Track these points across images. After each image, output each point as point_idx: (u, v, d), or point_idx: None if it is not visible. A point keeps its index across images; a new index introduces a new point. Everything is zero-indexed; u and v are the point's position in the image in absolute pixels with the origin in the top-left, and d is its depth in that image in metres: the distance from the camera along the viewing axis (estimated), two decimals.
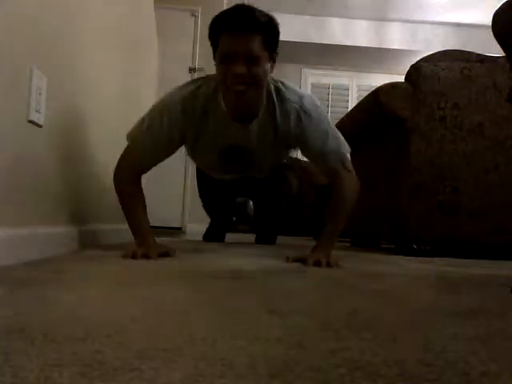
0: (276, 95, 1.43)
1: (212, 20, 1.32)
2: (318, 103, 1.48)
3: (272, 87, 1.43)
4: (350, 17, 5.34)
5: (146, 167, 1.45)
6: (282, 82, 1.46)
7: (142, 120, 1.43)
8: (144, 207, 1.41)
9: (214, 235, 2.36)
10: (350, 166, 1.47)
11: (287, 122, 1.43)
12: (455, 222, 2.03)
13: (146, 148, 1.40)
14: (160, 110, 1.41)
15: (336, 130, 1.49)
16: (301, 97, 1.43)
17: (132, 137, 1.43)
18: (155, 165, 1.47)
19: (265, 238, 2.42)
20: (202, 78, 1.49)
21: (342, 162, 1.44)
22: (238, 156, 1.61)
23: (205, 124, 1.44)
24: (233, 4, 1.32)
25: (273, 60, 1.35)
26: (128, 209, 1.39)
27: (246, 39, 1.25)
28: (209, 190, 2.15)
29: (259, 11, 1.28)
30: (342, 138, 1.48)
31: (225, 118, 1.44)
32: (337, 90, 5.94)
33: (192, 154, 1.75)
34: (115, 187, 1.40)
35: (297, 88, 1.48)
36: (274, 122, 1.45)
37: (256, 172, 1.82)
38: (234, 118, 1.43)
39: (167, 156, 1.48)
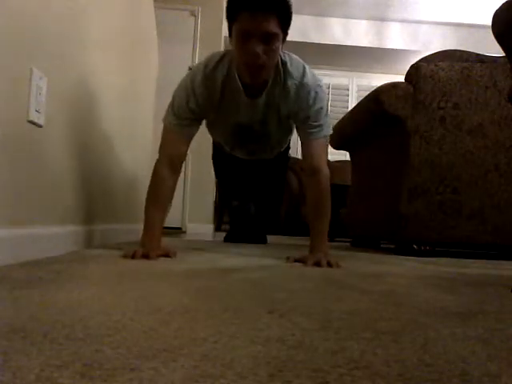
0: (283, 69, 1.49)
1: None
2: (319, 81, 1.54)
3: (280, 60, 1.49)
4: (349, 17, 5.34)
5: (184, 149, 1.52)
6: (289, 55, 1.52)
7: (172, 102, 1.51)
8: (165, 208, 1.47)
9: (234, 237, 2.50)
10: (327, 151, 1.57)
11: (287, 94, 1.49)
12: (455, 222, 2.03)
13: (181, 126, 1.48)
14: (185, 92, 1.48)
15: (328, 110, 1.58)
16: (303, 73, 1.49)
17: (168, 120, 1.50)
18: (190, 141, 1.54)
19: (257, 238, 2.46)
20: (218, 54, 1.54)
21: (324, 142, 1.53)
22: (249, 133, 1.71)
23: (223, 100, 1.52)
24: None
25: (285, 34, 1.41)
26: (148, 206, 1.43)
27: (263, 19, 1.30)
28: (224, 168, 2.31)
29: None
30: (329, 119, 1.57)
31: (238, 94, 1.51)
32: (337, 90, 5.94)
33: (210, 128, 1.85)
34: (151, 177, 1.46)
35: (302, 63, 1.53)
36: (278, 93, 1.51)
37: (264, 149, 1.93)
38: (245, 91, 1.50)
39: (196, 130, 1.56)
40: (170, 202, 1.50)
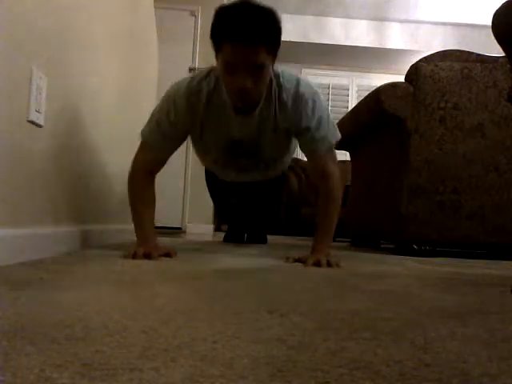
0: (275, 85, 1.43)
1: (215, 20, 1.27)
2: (315, 89, 1.47)
3: (272, 76, 1.43)
4: (349, 17, 5.34)
5: (159, 163, 1.47)
6: (280, 70, 1.46)
7: (152, 116, 1.47)
8: (152, 208, 1.43)
9: (233, 236, 2.47)
10: (335, 157, 1.51)
11: (285, 109, 1.43)
12: (455, 221, 2.03)
13: (157, 143, 1.44)
14: (167, 104, 1.43)
15: (329, 116, 1.49)
16: (297, 83, 1.43)
17: (144, 134, 1.46)
18: (167, 158, 1.49)
19: (257, 238, 2.46)
20: (206, 70, 1.48)
21: (330, 152, 1.48)
22: (241, 148, 1.62)
23: (209, 115, 1.45)
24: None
25: (275, 55, 1.34)
26: (135, 206, 1.41)
27: (250, 51, 1.22)
28: (219, 191, 2.17)
29: (262, 12, 1.23)
30: (334, 125, 1.50)
31: (227, 111, 1.44)
32: (337, 90, 5.94)
33: (198, 149, 1.75)
34: (128, 183, 1.42)
35: (294, 74, 1.47)
36: (274, 110, 1.45)
37: (257, 166, 1.80)
38: (236, 110, 1.44)
39: (177, 148, 1.51)
40: (154, 204, 1.45)
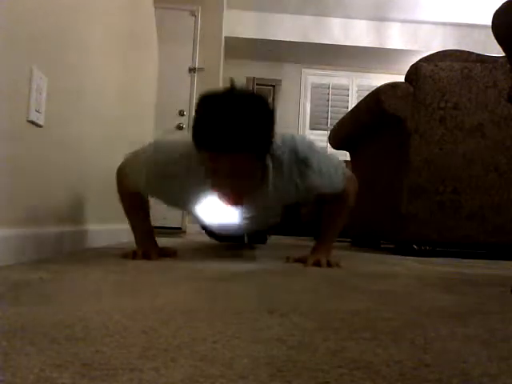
0: (270, 161, 1.21)
1: (197, 119, 1.05)
2: (309, 143, 1.28)
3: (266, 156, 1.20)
4: (349, 17, 5.34)
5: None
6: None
7: (134, 157, 1.31)
8: (147, 208, 1.40)
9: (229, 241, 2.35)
10: (348, 173, 1.39)
11: (288, 180, 1.24)
12: (455, 221, 2.03)
13: (136, 184, 1.30)
14: (143, 166, 1.26)
15: (329, 158, 1.34)
16: (292, 150, 1.23)
17: (124, 169, 1.32)
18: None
19: (257, 238, 2.44)
20: (184, 150, 1.20)
21: (345, 181, 1.35)
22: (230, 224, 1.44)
23: (188, 197, 1.26)
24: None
25: (266, 153, 1.16)
26: (130, 209, 1.38)
27: (232, 160, 1.03)
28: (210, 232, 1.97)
29: (247, 111, 1.01)
30: (335, 163, 1.34)
31: (213, 200, 1.23)
32: (337, 90, 5.94)
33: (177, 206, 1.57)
34: (117, 188, 1.36)
35: (284, 137, 1.24)
36: (273, 186, 1.25)
37: (252, 227, 1.59)
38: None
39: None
40: (149, 204, 1.38)
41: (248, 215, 1.37)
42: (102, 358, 0.36)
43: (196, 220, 1.68)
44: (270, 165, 1.21)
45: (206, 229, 1.87)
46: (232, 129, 0.99)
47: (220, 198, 1.17)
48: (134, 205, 1.37)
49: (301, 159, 1.23)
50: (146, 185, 1.26)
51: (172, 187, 1.22)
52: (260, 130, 1.05)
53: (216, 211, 1.31)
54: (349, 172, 1.40)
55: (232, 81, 1.05)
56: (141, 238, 1.35)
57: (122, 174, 1.32)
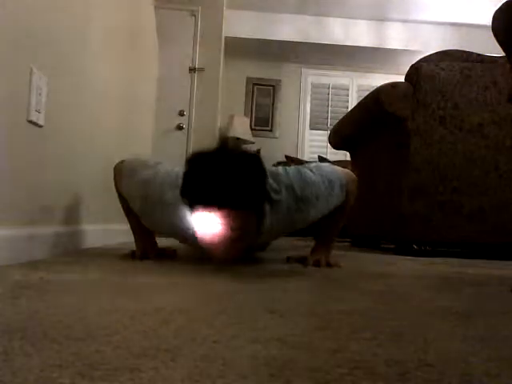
0: (267, 204, 1.15)
1: (186, 177, 1.01)
2: (303, 175, 1.24)
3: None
4: (349, 17, 5.34)
5: None
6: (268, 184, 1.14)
7: (127, 182, 1.26)
8: None
9: None
10: (348, 174, 1.37)
11: (288, 215, 1.21)
12: (455, 222, 2.03)
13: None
14: (140, 200, 1.22)
15: (326, 174, 1.28)
16: (290, 186, 1.20)
17: (117, 176, 1.29)
18: None
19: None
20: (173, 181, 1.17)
21: (345, 191, 1.32)
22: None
23: (181, 226, 1.11)
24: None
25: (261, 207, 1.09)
26: (128, 209, 1.38)
27: (223, 217, 0.97)
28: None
29: (243, 170, 0.98)
30: (335, 178, 1.29)
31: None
32: (337, 90, 5.94)
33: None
34: (115, 188, 1.38)
35: (278, 175, 1.22)
36: (273, 224, 1.19)
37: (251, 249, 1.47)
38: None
39: None
40: None
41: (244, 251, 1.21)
42: (102, 358, 0.36)
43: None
44: (268, 208, 1.15)
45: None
46: (224, 186, 0.95)
47: (211, 251, 1.06)
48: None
49: (299, 197, 1.20)
50: (140, 207, 1.21)
51: (166, 214, 1.15)
52: (253, 188, 1.00)
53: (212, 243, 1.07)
54: (349, 173, 1.39)
55: (223, 138, 0.99)
56: (140, 238, 1.35)
57: (119, 174, 1.30)
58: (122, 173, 1.28)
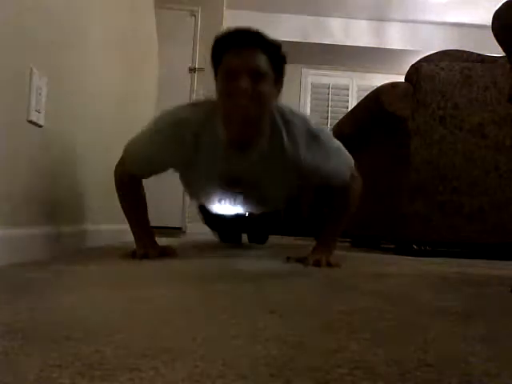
0: (281, 119, 1.29)
1: (215, 39, 1.24)
2: (321, 126, 1.39)
3: (276, 111, 1.29)
4: (349, 17, 5.34)
5: (139, 179, 1.39)
6: (284, 106, 1.33)
7: (137, 138, 1.33)
8: (144, 207, 1.40)
9: (230, 237, 2.33)
10: (355, 172, 1.41)
11: (296, 146, 1.28)
12: (455, 222, 2.03)
13: (139, 168, 1.34)
14: (153, 133, 1.30)
15: (339, 145, 1.38)
16: (305, 120, 1.32)
17: (127, 154, 1.34)
18: (147, 178, 1.40)
19: (257, 238, 2.44)
20: (198, 102, 1.39)
21: (350, 176, 1.38)
22: (238, 187, 1.44)
23: (197, 152, 1.29)
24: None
25: (279, 84, 1.26)
26: (128, 208, 1.38)
27: (251, 55, 1.18)
28: (210, 218, 1.95)
29: (265, 34, 1.22)
30: (345, 152, 1.39)
31: (220, 144, 1.27)
32: (337, 90, 5.94)
33: (187, 183, 1.55)
34: (116, 187, 1.38)
35: (297, 110, 1.38)
36: (282, 147, 1.29)
37: (263, 206, 1.63)
38: (231, 144, 1.27)
39: (159, 173, 1.39)
40: (146, 203, 1.39)
41: (250, 185, 1.40)
42: (102, 358, 0.36)
43: (198, 201, 1.74)
44: (280, 121, 1.28)
45: (208, 214, 1.85)
46: (251, 30, 1.18)
47: (230, 125, 1.22)
48: (133, 200, 1.38)
49: (311, 131, 1.29)
50: (160, 146, 1.28)
51: (183, 143, 1.27)
52: (275, 43, 1.22)
53: (222, 174, 1.36)
54: (356, 172, 1.42)
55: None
56: (140, 238, 1.35)
57: (121, 162, 1.35)
58: (127, 150, 1.33)
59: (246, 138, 1.25)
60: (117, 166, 1.37)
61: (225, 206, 1.59)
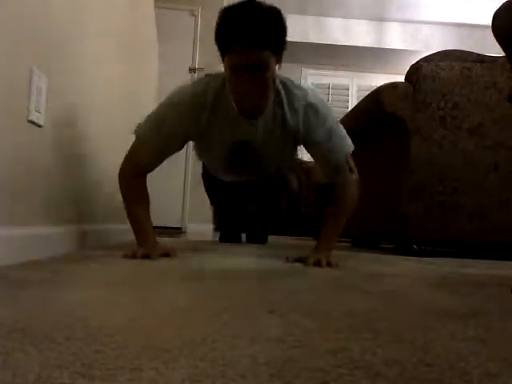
0: (283, 90, 1.44)
1: (219, 22, 1.27)
2: (324, 100, 1.50)
3: (278, 82, 1.44)
4: (349, 17, 5.34)
5: (153, 165, 1.45)
6: (287, 78, 1.48)
7: (151, 117, 1.42)
8: (147, 206, 1.41)
9: (229, 237, 2.41)
10: (352, 163, 1.47)
11: (295, 116, 1.43)
12: (455, 221, 2.03)
13: (154, 147, 1.40)
14: (169, 107, 1.40)
15: (340, 125, 1.50)
16: (306, 92, 1.44)
17: (140, 134, 1.41)
18: (162, 162, 1.47)
19: (257, 238, 2.45)
20: (210, 75, 1.49)
21: (345, 160, 1.45)
22: (245, 152, 1.61)
23: (213, 120, 1.44)
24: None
25: (280, 57, 1.35)
26: (131, 207, 1.39)
27: (256, 53, 1.24)
28: (216, 191, 2.21)
29: (266, 13, 1.23)
30: (345, 133, 1.49)
31: (233, 113, 1.43)
32: (337, 90, 5.94)
33: (200, 151, 1.75)
34: (120, 184, 1.40)
35: (300, 84, 1.50)
36: (283, 116, 1.45)
37: (262, 171, 1.83)
38: (241, 113, 1.43)
39: (175, 152, 1.48)
40: (149, 201, 1.43)
41: (254, 150, 1.57)
42: (102, 358, 0.36)
43: (211, 170, 1.97)
44: (283, 93, 1.43)
45: (213, 183, 2.12)
46: (255, 23, 1.20)
47: (239, 104, 1.38)
48: (136, 198, 1.39)
49: (311, 104, 1.41)
50: (179, 118, 1.38)
51: (202, 111, 1.40)
52: (279, 28, 1.26)
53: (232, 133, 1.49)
54: (353, 163, 1.49)
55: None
56: (141, 238, 1.35)
57: (129, 156, 1.41)
58: (144, 132, 1.40)
59: (251, 110, 1.42)
60: (127, 157, 1.41)
61: (232, 170, 1.81)
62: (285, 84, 1.45)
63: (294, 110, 1.43)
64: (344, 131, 1.49)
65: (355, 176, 1.45)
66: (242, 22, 1.21)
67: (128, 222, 1.40)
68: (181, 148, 1.50)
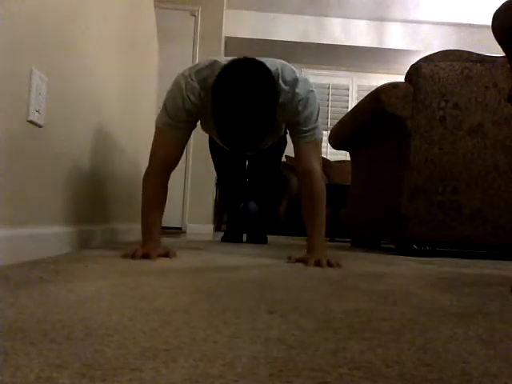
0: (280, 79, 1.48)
1: (217, 100, 1.28)
2: (311, 88, 1.52)
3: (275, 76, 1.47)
4: (349, 17, 5.34)
5: (176, 155, 1.50)
6: (280, 68, 1.49)
7: (165, 105, 1.47)
8: (162, 212, 1.45)
9: (231, 237, 2.46)
10: (319, 154, 1.54)
11: (282, 108, 1.46)
12: (455, 221, 2.03)
13: (174, 133, 1.45)
14: (180, 91, 1.45)
15: (319, 116, 1.54)
16: (294, 85, 1.47)
17: (160, 122, 1.47)
18: (183, 151, 1.54)
19: (257, 238, 2.47)
20: (210, 60, 1.54)
21: (314, 147, 1.51)
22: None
23: (202, 109, 1.48)
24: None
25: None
26: (148, 212, 1.42)
27: (251, 147, 1.33)
28: (220, 157, 2.41)
29: (257, 103, 1.23)
30: (320, 125, 1.55)
31: None
32: (337, 90, 5.94)
33: (204, 125, 1.81)
34: (144, 189, 1.43)
35: (293, 72, 1.51)
36: None
37: (256, 149, 1.93)
38: None
39: (190, 133, 1.54)
40: (165, 204, 1.48)
41: None
42: (102, 358, 0.36)
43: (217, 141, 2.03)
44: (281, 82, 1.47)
45: (218, 153, 2.36)
46: (245, 138, 1.26)
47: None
48: (155, 204, 1.42)
49: (299, 99, 1.47)
50: (192, 97, 1.43)
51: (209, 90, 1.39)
52: (268, 123, 1.29)
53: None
54: (319, 151, 1.56)
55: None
56: (147, 237, 1.36)
57: (155, 141, 1.47)
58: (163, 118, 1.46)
59: None
60: (153, 148, 1.46)
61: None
62: (277, 76, 1.46)
63: (280, 106, 1.44)
64: (321, 122, 1.56)
65: (320, 167, 1.52)
66: (234, 136, 1.27)
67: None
68: (192, 129, 1.55)
